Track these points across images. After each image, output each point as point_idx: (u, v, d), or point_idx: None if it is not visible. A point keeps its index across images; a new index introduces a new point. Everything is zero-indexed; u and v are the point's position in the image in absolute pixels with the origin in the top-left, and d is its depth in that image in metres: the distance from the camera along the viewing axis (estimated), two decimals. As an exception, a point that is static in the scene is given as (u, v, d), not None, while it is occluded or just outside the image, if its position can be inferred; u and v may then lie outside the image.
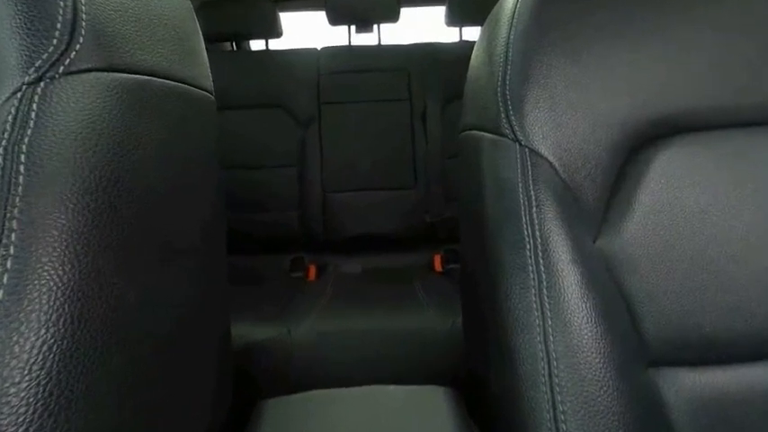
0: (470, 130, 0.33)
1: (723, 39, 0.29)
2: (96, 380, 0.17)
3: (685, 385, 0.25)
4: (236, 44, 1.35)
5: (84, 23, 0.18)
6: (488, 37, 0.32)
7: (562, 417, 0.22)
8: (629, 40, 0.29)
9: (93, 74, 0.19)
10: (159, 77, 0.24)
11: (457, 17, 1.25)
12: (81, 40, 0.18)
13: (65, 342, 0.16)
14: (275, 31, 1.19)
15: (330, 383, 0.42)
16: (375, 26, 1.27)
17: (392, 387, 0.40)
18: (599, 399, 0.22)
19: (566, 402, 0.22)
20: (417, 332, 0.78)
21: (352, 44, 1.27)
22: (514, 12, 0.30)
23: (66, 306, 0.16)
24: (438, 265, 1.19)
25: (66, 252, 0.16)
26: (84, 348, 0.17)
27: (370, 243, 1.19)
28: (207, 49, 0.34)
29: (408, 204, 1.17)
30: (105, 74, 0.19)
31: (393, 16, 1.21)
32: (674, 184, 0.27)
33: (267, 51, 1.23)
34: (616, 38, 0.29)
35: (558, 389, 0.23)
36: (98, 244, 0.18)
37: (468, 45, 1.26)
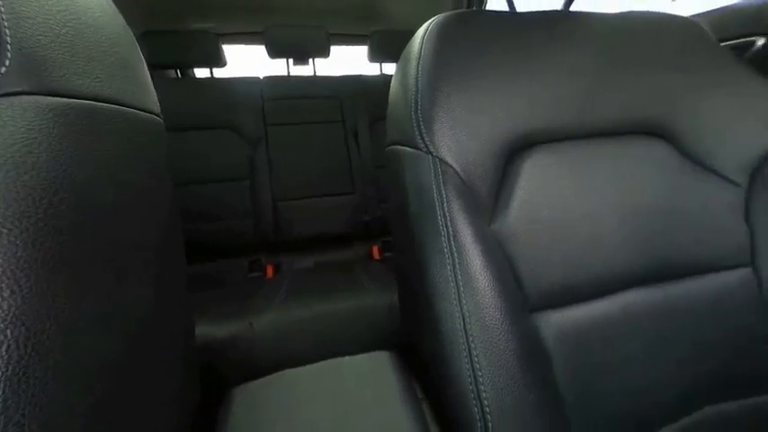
0: (394, 145, 0.34)
1: (567, 77, 0.33)
2: (49, 403, 0.14)
3: (554, 323, 0.28)
4: (180, 72, 1.22)
5: (9, 46, 0.15)
6: (402, 71, 0.33)
7: (476, 359, 0.24)
8: (506, 78, 0.32)
9: (24, 97, 0.15)
10: (104, 102, 0.20)
11: (377, 55, 1.28)
12: (7, 62, 0.15)
13: (10, 368, 0.13)
14: (219, 61, 1.11)
15: (293, 366, 0.40)
16: (311, 60, 1.24)
17: (346, 358, 0.40)
18: (500, 341, 0.24)
19: (477, 347, 0.24)
20: (364, 310, 0.77)
21: (291, 74, 1.23)
22: (420, 52, 0.31)
23: (9, 332, 0.13)
24: (376, 255, 1.20)
25: (4, 278, 0.13)
26: (34, 373, 0.14)
27: (320, 242, 1.16)
28: (152, 75, 0.30)
29: (349, 207, 1.17)
30: (39, 97, 0.16)
31: (324, 52, 1.20)
32: (538, 181, 0.30)
33: (213, 79, 1.14)
34: (497, 75, 0.32)
35: (471, 338, 0.24)
36: (42, 267, 0.15)
37: (388, 78, 1.30)
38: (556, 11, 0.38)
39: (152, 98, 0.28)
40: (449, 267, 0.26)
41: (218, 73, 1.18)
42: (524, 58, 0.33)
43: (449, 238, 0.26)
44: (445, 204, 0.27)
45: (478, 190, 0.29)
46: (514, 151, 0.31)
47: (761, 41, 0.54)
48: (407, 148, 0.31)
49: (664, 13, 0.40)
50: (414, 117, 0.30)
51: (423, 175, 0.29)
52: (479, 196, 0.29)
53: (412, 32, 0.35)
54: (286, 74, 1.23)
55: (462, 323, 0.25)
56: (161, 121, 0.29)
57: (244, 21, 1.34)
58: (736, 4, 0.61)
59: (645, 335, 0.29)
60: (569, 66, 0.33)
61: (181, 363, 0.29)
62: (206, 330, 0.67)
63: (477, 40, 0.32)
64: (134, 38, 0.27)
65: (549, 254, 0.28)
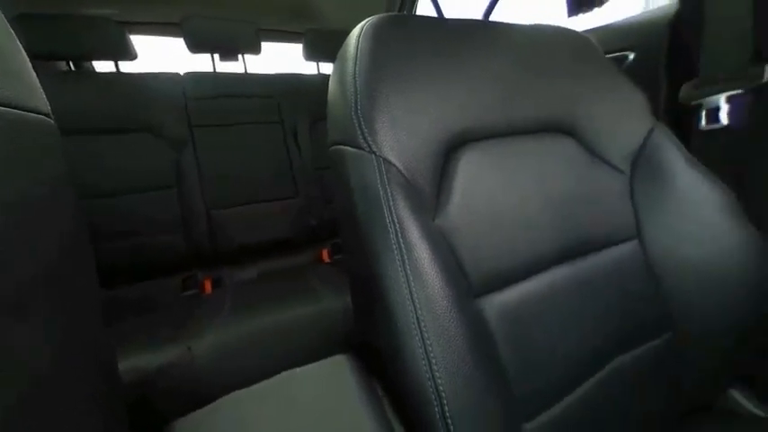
0: (337, 145, 0.34)
1: (492, 82, 0.36)
2: None
3: (495, 305, 0.30)
4: (74, 64, 1.01)
5: None
6: (339, 71, 0.33)
7: (430, 347, 0.25)
8: (438, 81, 0.34)
9: None
10: None
11: (312, 54, 1.25)
12: None
13: None
14: (126, 53, 0.94)
15: (244, 385, 0.37)
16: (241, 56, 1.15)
17: (300, 369, 0.38)
18: (450, 327, 0.26)
19: (430, 336, 0.25)
20: (317, 315, 0.75)
21: (217, 71, 1.12)
22: (357, 53, 0.31)
23: None
24: (326, 258, 1.18)
25: None
26: None
27: (264, 250, 1.08)
28: (36, 68, 0.25)
29: (293, 211, 1.12)
30: None
31: (254, 48, 1.12)
32: (472, 176, 0.33)
33: (121, 74, 0.97)
34: (430, 78, 0.33)
35: (423, 328, 0.25)
36: None
37: (326, 77, 1.28)
38: (477, 20, 0.41)
39: (37, 95, 0.23)
40: (398, 263, 0.27)
41: (127, 67, 1.02)
42: (454, 63, 0.35)
43: (397, 235, 0.27)
44: (391, 202, 0.28)
45: (421, 187, 0.30)
46: (450, 150, 0.33)
47: (632, 55, 0.67)
48: (350, 149, 0.31)
49: (562, 27, 0.47)
50: (354, 117, 0.30)
51: (368, 174, 0.29)
52: (423, 193, 0.30)
53: (346, 32, 0.35)
54: (212, 70, 1.12)
55: (415, 315, 0.26)
56: (52, 122, 0.24)
57: (155, 9, 1.19)
58: (614, 22, 0.73)
59: (566, 306, 0.33)
60: (493, 72, 0.37)
61: (100, 404, 0.25)
62: (136, 362, 0.59)
63: (411, 43, 0.34)
64: (5, 21, 0.22)
65: (487, 243, 0.31)
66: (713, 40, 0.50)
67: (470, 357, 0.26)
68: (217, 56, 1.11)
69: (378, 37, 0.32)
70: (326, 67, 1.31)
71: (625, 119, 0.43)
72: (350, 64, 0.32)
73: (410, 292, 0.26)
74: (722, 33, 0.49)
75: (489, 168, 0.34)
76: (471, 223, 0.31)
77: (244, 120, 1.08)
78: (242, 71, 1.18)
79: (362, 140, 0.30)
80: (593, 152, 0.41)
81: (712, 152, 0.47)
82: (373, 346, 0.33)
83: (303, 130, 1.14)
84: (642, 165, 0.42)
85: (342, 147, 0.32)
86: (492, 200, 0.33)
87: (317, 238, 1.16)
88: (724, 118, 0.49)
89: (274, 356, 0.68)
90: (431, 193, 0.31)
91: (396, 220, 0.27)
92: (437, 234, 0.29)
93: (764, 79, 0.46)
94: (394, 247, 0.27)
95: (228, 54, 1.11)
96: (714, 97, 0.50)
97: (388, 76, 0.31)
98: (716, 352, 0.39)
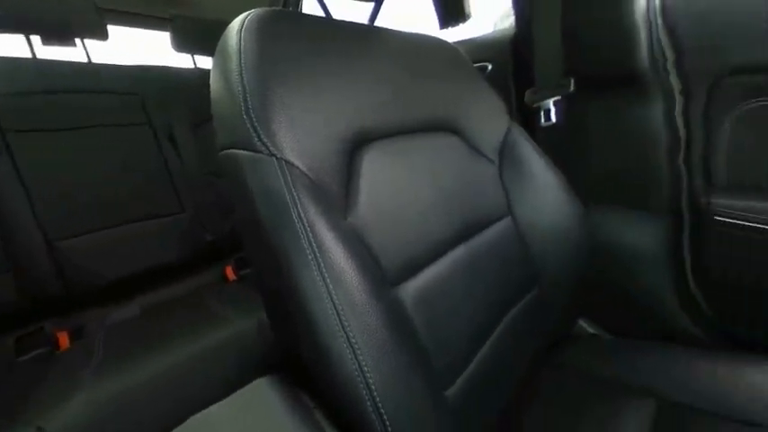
0: (228, 149, 0.30)
1: (384, 84, 0.39)
2: None
3: (410, 291, 0.33)
4: None
5: None
6: (221, 68, 0.30)
7: (355, 344, 0.25)
8: (333, 80, 0.34)
9: None
10: None
11: (182, 44, 1.08)
12: None
13: None
14: None
15: None
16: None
17: (214, 406, 0.33)
18: (372, 321, 0.26)
19: (355, 334, 0.25)
20: (226, 342, 0.66)
21: (38, 58, 0.84)
22: (240, 48, 0.29)
23: None
24: (231, 275, 1.05)
25: None
26: None
27: (146, 280, 0.89)
28: None
29: (181, 228, 0.94)
30: None
31: (95, 31, 0.88)
32: (376, 173, 0.34)
33: None
34: (323, 78, 0.33)
35: (347, 327, 0.25)
36: None
37: (205, 72, 1.12)
38: (363, 24, 0.43)
39: None
40: (314, 267, 0.26)
41: None
42: (345, 64, 0.36)
43: (309, 239, 0.26)
44: (299, 206, 0.27)
45: (328, 187, 0.30)
46: (354, 148, 0.34)
47: (490, 66, 0.81)
48: (245, 152, 0.28)
49: (437, 37, 0.53)
50: (246, 118, 0.28)
51: (269, 179, 0.27)
52: (330, 193, 0.30)
53: (224, 23, 0.32)
54: (30, 57, 0.84)
55: (338, 317, 0.25)
56: None
57: None
58: (476, 37, 0.88)
59: (464, 281, 0.39)
60: (383, 74, 0.39)
61: None
62: None
63: (301, 40, 0.33)
64: None
65: (395, 236, 0.33)
66: (540, 57, 0.66)
67: (394, 345, 0.27)
68: (39, 40, 0.84)
69: (264, 31, 0.30)
70: (205, 62, 1.15)
71: (491, 118, 0.52)
72: (233, 60, 0.29)
73: (330, 296, 0.26)
74: (545, 52, 0.65)
75: (390, 166, 0.36)
76: (380, 219, 0.32)
77: (93, 121, 0.84)
78: (84, 61, 0.93)
79: (259, 143, 0.28)
80: (471, 147, 0.49)
81: (549, 143, 0.62)
82: (297, 358, 0.31)
83: (183, 132, 0.98)
84: (506, 156, 0.51)
85: (234, 151, 0.29)
86: (395, 195, 0.35)
87: (218, 255, 1.02)
88: (554, 117, 0.65)
89: (174, 403, 0.57)
90: (339, 193, 0.31)
91: (306, 224, 0.27)
92: (350, 232, 0.29)
93: (571, 89, 0.63)
94: (307, 251, 0.26)
95: (56, 38, 0.85)
96: (546, 101, 0.65)
97: (280, 73, 0.30)
98: (565, 296, 0.52)
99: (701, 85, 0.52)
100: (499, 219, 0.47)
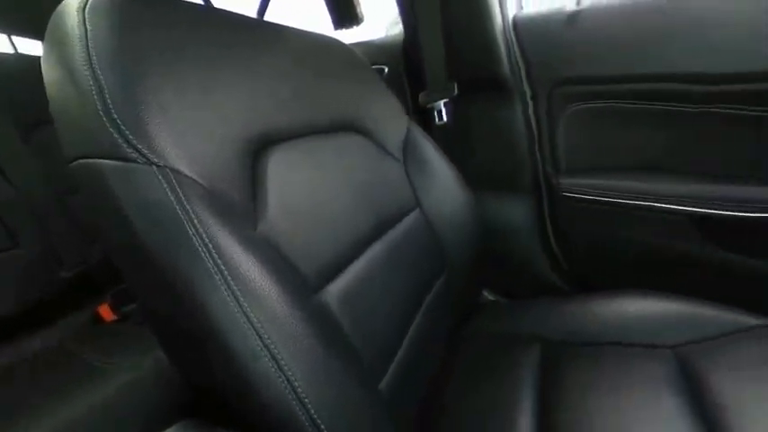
0: (83, 159, 0.24)
1: (281, 83, 0.37)
2: None
3: (334, 294, 0.32)
4: None
5: None
6: (60, 58, 0.24)
7: (282, 360, 0.23)
8: (222, 76, 0.30)
9: None
10: None
11: None
12: None
13: None
14: None
15: None
16: None
17: None
18: (297, 332, 0.25)
19: (279, 350, 0.24)
20: (115, 397, 0.53)
21: None
22: (84, 33, 0.23)
23: None
24: (109, 315, 0.84)
25: None
26: None
27: None
28: None
29: (18, 268, 0.71)
30: None
31: None
32: (284, 177, 0.32)
33: None
34: (211, 72, 0.29)
35: (270, 343, 0.23)
36: None
37: (32, 59, 0.85)
38: (251, 17, 0.40)
39: None
40: (223, 288, 0.23)
41: None
42: (234, 58, 0.32)
43: (212, 257, 0.23)
44: (196, 221, 0.23)
45: (230, 196, 0.27)
46: (257, 151, 0.31)
47: (386, 69, 0.86)
48: (110, 162, 0.23)
49: (332, 37, 0.53)
50: (106, 120, 0.23)
51: (150, 192, 0.23)
52: (233, 202, 0.27)
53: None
54: None
55: (257, 335, 0.23)
56: None
57: None
58: (372, 40, 0.91)
59: (384, 274, 0.40)
60: (279, 71, 0.37)
61: None
62: None
63: (171, 28, 0.28)
64: None
65: (312, 240, 0.32)
66: (429, 62, 0.73)
67: (323, 352, 0.26)
68: None
69: (118, 16, 0.25)
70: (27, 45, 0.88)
71: (393, 118, 0.56)
72: (77, 48, 0.23)
73: (245, 314, 0.23)
74: (432, 57, 0.72)
75: (299, 169, 0.35)
76: (294, 224, 0.31)
77: None
78: None
79: (129, 150, 0.23)
80: (378, 146, 0.51)
81: (444, 140, 0.69)
82: (213, 392, 0.27)
83: (8, 140, 0.73)
84: (409, 153, 0.56)
85: (92, 161, 0.24)
86: (306, 198, 0.33)
87: (87, 291, 0.80)
88: (445, 117, 0.74)
89: None
90: (244, 201, 0.28)
91: (207, 240, 0.23)
92: (262, 242, 0.27)
93: (455, 92, 0.72)
94: (212, 270, 0.23)
95: None
96: (438, 102, 0.73)
97: (148, 66, 0.25)
98: (470, 273, 0.59)
99: (544, 91, 0.67)
100: (409, 212, 0.51)
